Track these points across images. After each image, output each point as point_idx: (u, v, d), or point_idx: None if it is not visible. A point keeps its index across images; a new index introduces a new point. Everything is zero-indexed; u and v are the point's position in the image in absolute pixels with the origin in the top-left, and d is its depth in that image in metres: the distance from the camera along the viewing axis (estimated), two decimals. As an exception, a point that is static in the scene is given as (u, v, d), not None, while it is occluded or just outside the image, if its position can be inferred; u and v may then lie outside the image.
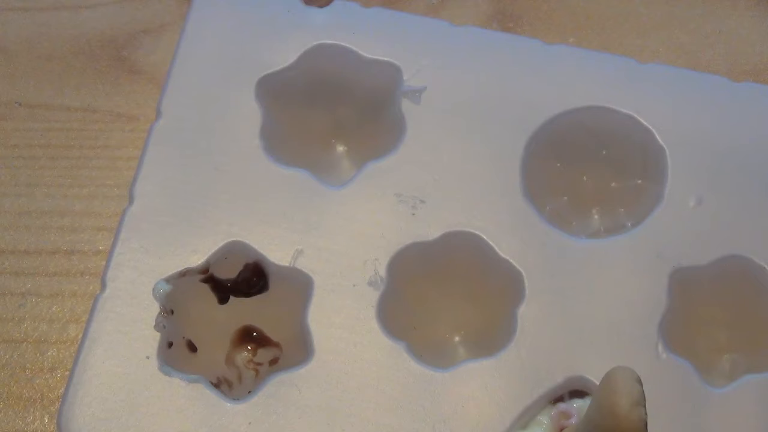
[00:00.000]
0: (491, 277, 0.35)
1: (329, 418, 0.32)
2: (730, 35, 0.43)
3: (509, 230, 0.34)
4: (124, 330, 0.33)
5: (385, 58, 0.37)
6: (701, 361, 0.34)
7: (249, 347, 0.36)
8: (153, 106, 0.37)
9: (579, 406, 0.32)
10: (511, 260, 0.34)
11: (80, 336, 0.35)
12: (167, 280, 0.33)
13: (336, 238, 0.34)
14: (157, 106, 0.36)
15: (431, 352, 0.34)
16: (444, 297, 0.36)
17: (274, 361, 0.36)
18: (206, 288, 0.35)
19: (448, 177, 0.35)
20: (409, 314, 0.35)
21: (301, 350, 0.33)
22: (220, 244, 0.34)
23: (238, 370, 0.36)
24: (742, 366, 0.35)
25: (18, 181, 0.40)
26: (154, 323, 0.33)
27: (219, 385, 0.35)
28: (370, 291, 0.33)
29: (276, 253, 0.34)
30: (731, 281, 0.35)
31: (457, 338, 0.36)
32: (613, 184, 0.38)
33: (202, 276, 0.34)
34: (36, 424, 0.36)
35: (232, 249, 0.34)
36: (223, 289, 0.35)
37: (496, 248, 0.34)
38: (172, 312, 0.34)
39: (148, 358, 0.33)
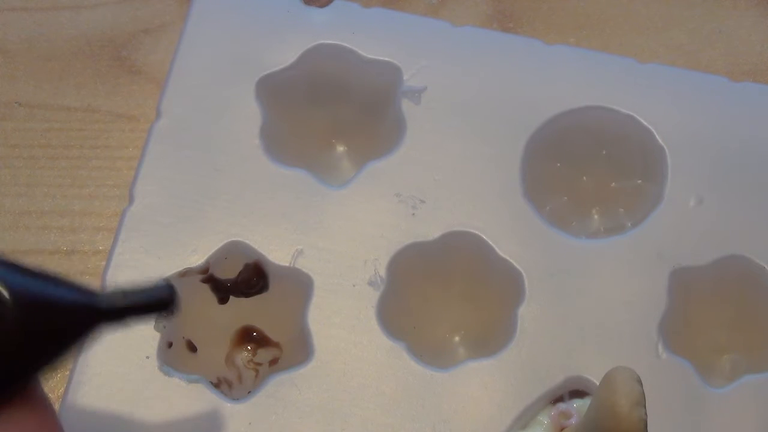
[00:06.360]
0: (491, 277, 0.35)
1: (329, 418, 0.32)
2: (730, 35, 0.43)
3: (509, 230, 0.34)
4: (124, 330, 0.33)
5: (385, 58, 0.37)
6: (701, 361, 0.34)
7: (249, 347, 0.36)
8: (153, 106, 0.37)
9: (579, 406, 0.32)
10: (511, 260, 0.34)
11: (80, 336, 0.35)
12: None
13: (336, 238, 0.34)
14: (157, 106, 0.36)
15: (431, 352, 0.34)
16: (444, 297, 0.36)
17: (274, 361, 0.36)
18: (206, 288, 0.35)
19: (448, 177, 0.35)
20: (409, 314, 0.35)
21: (301, 350, 0.33)
22: (220, 244, 0.34)
23: (238, 370, 0.36)
24: (742, 366, 0.35)
25: (18, 181, 0.40)
26: (154, 323, 0.33)
27: (219, 385, 0.35)
28: (370, 291, 0.33)
29: (276, 253, 0.34)
30: (731, 281, 0.35)
31: (457, 338, 0.36)
32: (613, 184, 0.38)
33: (202, 276, 0.34)
34: (36, 424, 0.36)
35: (232, 249, 0.34)
36: (223, 289, 0.35)
37: (496, 248, 0.34)
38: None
39: (148, 358, 0.33)
